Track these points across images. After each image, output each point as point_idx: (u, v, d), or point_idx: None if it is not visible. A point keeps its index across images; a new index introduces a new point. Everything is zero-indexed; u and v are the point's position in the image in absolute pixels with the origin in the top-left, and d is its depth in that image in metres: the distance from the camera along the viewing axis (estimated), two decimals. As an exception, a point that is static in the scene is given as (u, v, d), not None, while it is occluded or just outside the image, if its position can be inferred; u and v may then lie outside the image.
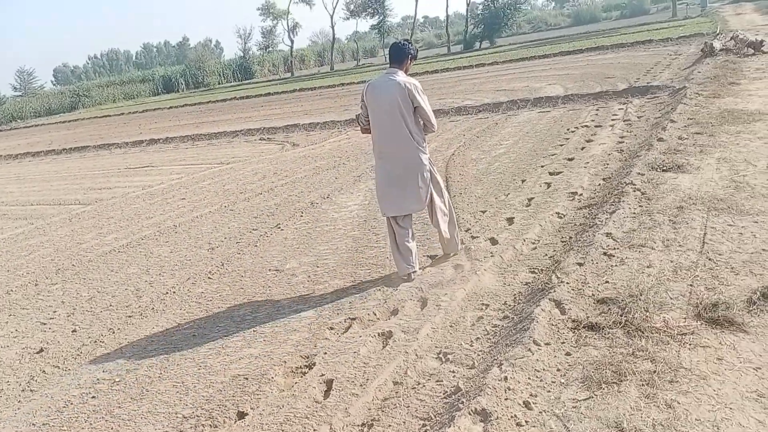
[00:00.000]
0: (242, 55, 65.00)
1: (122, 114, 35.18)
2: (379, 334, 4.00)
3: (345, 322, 4.28)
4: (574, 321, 3.46)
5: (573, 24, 64.45)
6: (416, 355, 3.66)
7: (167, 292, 5.48)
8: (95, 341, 4.68)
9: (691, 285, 3.71)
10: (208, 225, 7.65)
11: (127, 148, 18.10)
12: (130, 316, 5.08)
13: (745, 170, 5.93)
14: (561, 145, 8.90)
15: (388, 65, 4.82)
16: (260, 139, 15.63)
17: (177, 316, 4.93)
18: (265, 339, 4.23)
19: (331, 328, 4.22)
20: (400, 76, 4.66)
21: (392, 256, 4.97)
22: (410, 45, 4.83)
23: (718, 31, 22.15)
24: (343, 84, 29.82)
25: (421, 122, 4.77)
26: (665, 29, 29.30)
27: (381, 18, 57.13)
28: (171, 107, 34.06)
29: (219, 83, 60.77)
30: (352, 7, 57.61)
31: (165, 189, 10.56)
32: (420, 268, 4.93)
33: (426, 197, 4.86)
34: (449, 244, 5.15)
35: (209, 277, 5.71)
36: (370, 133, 4.92)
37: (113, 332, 4.82)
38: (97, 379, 4.07)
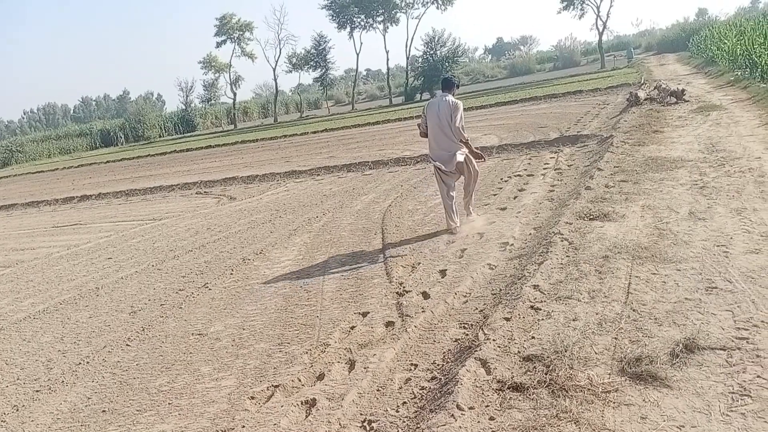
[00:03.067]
0: (184, 107, 64.40)
1: (56, 170, 34.02)
2: (302, 403, 3.79)
3: (267, 390, 4.05)
4: (499, 381, 3.34)
5: (509, 75, 66.98)
6: (340, 424, 3.46)
7: (80, 363, 5.11)
8: (-5, 422, 4.29)
9: (615, 338, 3.66)
10: (132, 286, 7.28)
11: (57, 206, 17.39)
12: (37, 391, 4.71)
13: (668, 217, 6.05)
14: (494, 195, 8.98)
15: (441, 91, 7.23)
16: (197, 193, 15.28)
17: (88, 389, 4.58)
18: (180, 413, 3.95)
19: (252, 398, 3.97)
20: (450, 97, 7.02)
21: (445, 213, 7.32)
22: (455, 78, 7.41)
23: (642, 81, 23.17)
24: (285, 135, 29.75)
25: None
26: (594, 80, 30.60)
27: (323, 71, 57.93)
28: (108, 162, 33.15)
29: (160, 136, 59.86)
30: (294, 60, 58.28)
31: (91, 248, 10.09)
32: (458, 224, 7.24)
33: (455, 165, 7.15)
34: (468, 208, 7.53)
35: (127, 344, 5.37)
36: (426, 137, 7.34)
37: (17, 410, 4.44)
38: (-9, 467, 3.70)
